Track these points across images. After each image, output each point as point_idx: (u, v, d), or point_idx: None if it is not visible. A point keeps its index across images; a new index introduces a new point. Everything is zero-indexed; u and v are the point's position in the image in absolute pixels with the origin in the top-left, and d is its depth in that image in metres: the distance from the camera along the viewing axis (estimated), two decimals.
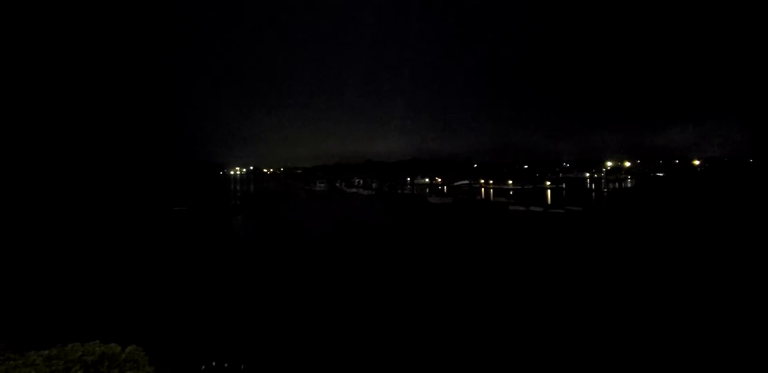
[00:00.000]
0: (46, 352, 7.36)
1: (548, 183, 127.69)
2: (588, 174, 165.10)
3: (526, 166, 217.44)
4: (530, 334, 19.21)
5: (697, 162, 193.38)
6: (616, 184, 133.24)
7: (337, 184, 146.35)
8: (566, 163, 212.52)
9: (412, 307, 23.09)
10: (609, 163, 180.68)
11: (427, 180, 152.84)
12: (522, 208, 69.14)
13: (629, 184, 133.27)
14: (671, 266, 31.40)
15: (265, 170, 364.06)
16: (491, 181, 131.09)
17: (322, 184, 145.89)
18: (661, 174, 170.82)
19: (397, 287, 26.96)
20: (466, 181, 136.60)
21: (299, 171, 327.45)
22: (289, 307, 23.41)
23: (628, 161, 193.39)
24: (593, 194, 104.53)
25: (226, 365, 12.50)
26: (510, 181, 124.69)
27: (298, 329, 19.97)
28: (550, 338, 18.72)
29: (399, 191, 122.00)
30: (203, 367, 13.24)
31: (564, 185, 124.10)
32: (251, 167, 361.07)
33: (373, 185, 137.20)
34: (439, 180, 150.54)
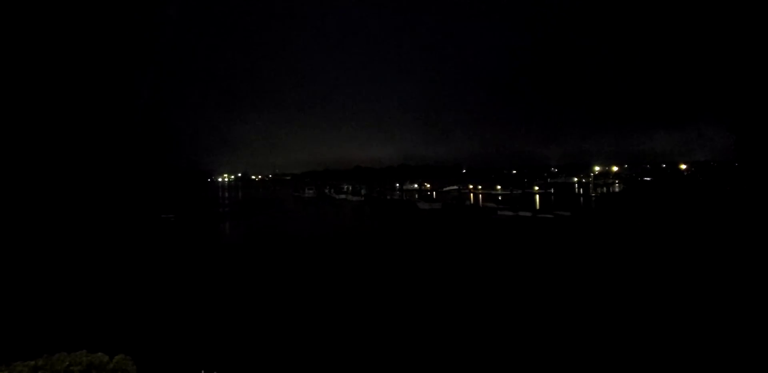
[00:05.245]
0: (32, 362, 7.27)
1: (537, 188, 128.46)
2: (576, 179, 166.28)
3: (514, 172, 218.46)
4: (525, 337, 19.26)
5: (683, 166, 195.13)
6: (604, 188, 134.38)
7: (326, 191, 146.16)
8: (554, 168, 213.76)
9: (402, 312, 23.07)
10: (597, 168, 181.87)
11: (416, 186, 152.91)
12: (511, 213, 69.42)
13: (617, 189, 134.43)
14: (660, 269, 31.69)
15: (253, 177, 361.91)
16: (480, 187, 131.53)
17: (311, 191, 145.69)
18: (648, 178, 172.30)
19: (385, 294, 26.94)
20: (455, 187, 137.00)
21: (288, 178, 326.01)
22: (276, 314, 23.30)
23: (616, 166, 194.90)
24: (581, 198, 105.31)
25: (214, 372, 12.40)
26: (499, 187, 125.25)
27: (285, 337, 19.86)
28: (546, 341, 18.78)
29: (388, 197, 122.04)
30: None
31: (552, 190, 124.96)
32: (240, 174, 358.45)
33: (362, 191, 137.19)
34: (428, 186, 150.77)
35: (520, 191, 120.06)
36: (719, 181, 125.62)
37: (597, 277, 30.05)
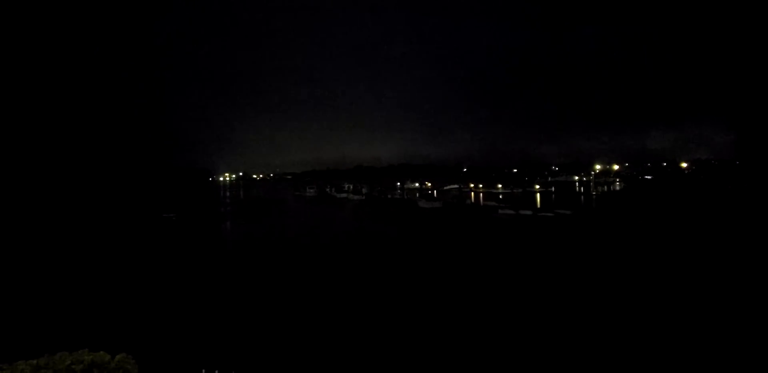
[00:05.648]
0: (35, 361, 7.33)
1: (537, 187, 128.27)
2: (577, 177, 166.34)
3: (515, 170, 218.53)
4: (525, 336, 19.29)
5: (684, 165, 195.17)
6: (605, 187, 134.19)
7: (327, 190, 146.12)
8: (555, 167, 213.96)
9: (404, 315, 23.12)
10: (598, 167, 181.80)
11: (417, 185, 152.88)
12: (512, 211, 69.36)
13: (618, 188, 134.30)
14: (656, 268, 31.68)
15: (255, 176, 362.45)
16: (481, 186, 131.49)
17: (312, 190, 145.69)
18: (649, 177, 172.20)
19: (387, 298, 26.96)
20: (456, 186, 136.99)
21: (289, 177, 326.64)
22: (277, 312, 23.35)
23: (617, 164, 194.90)
24: (582, 197, 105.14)
25: (216, 371, 12.45)
26: (499, 185, 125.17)
27: (287, 336, 19.92)
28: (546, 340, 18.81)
29: (389, 196, 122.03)
30: None
31: (553, 189, 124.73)
32: (241, 173, 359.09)
33: (363, 190, 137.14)
34: (429, 184, 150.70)
35: (520, 190, 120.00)
36: (720, 180, 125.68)
37: (595, 275, 30.07)
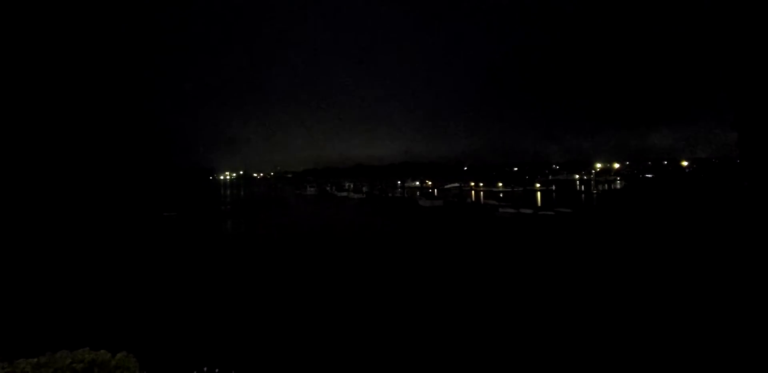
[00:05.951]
0: (35, 359, 7.30)
1: (538, 185, 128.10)
2: (577, 176, 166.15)
3: (516, 169, 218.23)
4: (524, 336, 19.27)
5: (685, 163, 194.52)
6: (605, 185, 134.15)
7: (328, 188, 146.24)
8: (556, 166, 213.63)
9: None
10: (598, 165, 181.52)
11: (417, 183, 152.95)
12: (512, 210, 69.33)
13: (618, 186, 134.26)
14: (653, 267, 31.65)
15: (255, 175, 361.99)
16: (481, 184, 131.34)
17: (312, 189, 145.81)
18: (649, 175, 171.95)
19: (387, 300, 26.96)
20: (457, 184, 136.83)
21: (289, 175, 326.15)
22: (277, 311, 23.36)
23: (617, 163, 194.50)
24: (583, 195, 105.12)
25: (217, 370, 12.42)
26: (500, 184, 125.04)
27: (288, 334, 19.92)
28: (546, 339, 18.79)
29: (390, 195, 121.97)
30: None
31: (554, 187, 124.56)
32: (241, 172, 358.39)
33: (364, 189, 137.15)
34: (430, 183, 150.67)
35: (521, 188, 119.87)
36: (721, 179, 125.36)
37: (593, 274, 30.06)
